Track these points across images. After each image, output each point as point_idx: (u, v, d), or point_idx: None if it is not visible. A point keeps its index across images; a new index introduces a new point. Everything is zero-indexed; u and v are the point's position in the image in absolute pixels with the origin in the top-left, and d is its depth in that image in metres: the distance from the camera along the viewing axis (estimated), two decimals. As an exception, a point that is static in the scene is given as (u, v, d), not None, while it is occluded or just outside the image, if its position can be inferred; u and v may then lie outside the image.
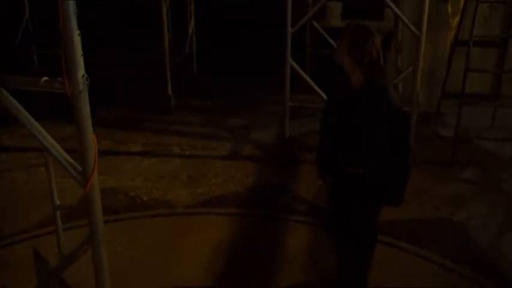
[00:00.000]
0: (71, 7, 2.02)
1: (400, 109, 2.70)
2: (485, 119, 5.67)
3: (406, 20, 4.70)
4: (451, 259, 3.67)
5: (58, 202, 2.41)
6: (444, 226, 4.09)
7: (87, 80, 2.14)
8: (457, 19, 5.58)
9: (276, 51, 5.03)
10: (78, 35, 2.07)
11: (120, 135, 5.40)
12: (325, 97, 4.71)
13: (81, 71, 2.12)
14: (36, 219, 4.00)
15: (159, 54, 5.87)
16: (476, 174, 4.84)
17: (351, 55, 2.58)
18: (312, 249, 3.75)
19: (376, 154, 2.65)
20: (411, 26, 4.65)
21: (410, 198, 4.35)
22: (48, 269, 2.90)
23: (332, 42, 5.32)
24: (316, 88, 4.79)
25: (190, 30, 6.68)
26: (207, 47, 7.03)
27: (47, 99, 5.44)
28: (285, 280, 3.44)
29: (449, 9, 5.65)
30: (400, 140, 2.67)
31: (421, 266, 3.63)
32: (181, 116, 5.98)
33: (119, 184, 4.47)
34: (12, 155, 4.98)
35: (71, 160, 2.28)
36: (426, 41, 4.78)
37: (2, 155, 4.99)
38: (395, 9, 4.73)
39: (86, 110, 2.16)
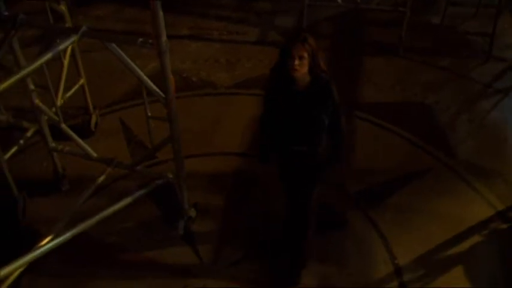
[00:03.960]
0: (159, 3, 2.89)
1: (339, 100, 3.04)
2: (471, 7, 6.28)
3: None
4: (417, 135, 4.64)
5: (150, 114, 3.47)
6: (417, 108, 5.00)
7: (167, 43, 3.06)
8: None
9: None
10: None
11: (169, 18, 6.12)
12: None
13: (164, 37, 3.04)
14: (120, 94, 5.01)
15: None
16: (451, 62, 5.58)
17: (311, 69, 2.89)
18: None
19: (320, 135, 3.11)
20: None
21: (395, 84, 5.31)
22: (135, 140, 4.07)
23: None
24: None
25: None
26: None
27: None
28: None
29: None
30: (337, 123, 3.10)
31: (396, 142, 4.60)
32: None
33: (174, 66, 5.23)
34: (88, 35, 5.83)
35: (158, 90, 3.28)
36: None
37: (80, 35, 5.83)
38: None
39: (167, 61, 3.12)
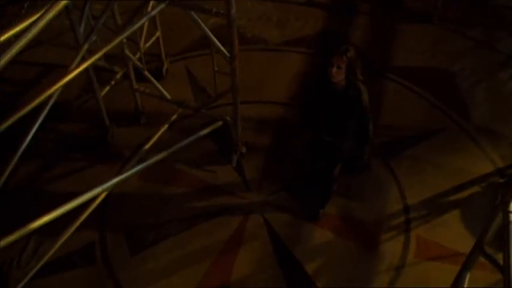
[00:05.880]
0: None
1: (368, 105, 3.45)
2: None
3: None
4: (438, 98, 5.22)
5: (216, 68, 4.19)
6: (442, 74, 5.51)
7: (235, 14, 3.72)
8: None
9: None
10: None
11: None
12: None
13: (233, 9, 3.68)
14: (185, 44, 5.68)
15: None
16: (480, 32, 5.95)
17: (347, 76, 3.29)
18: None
19: (345, 134, 3.60)
20: None
21: (426, 50, 5.82)
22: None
23: None
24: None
25: None
26: None
27: None
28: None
29: None
30: (363, 124, 3.54)
31: (419, 102, 5.18)
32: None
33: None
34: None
35: (223, 49, 3.97)
36: None
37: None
38: None
39: (235, 29, 3.79)
